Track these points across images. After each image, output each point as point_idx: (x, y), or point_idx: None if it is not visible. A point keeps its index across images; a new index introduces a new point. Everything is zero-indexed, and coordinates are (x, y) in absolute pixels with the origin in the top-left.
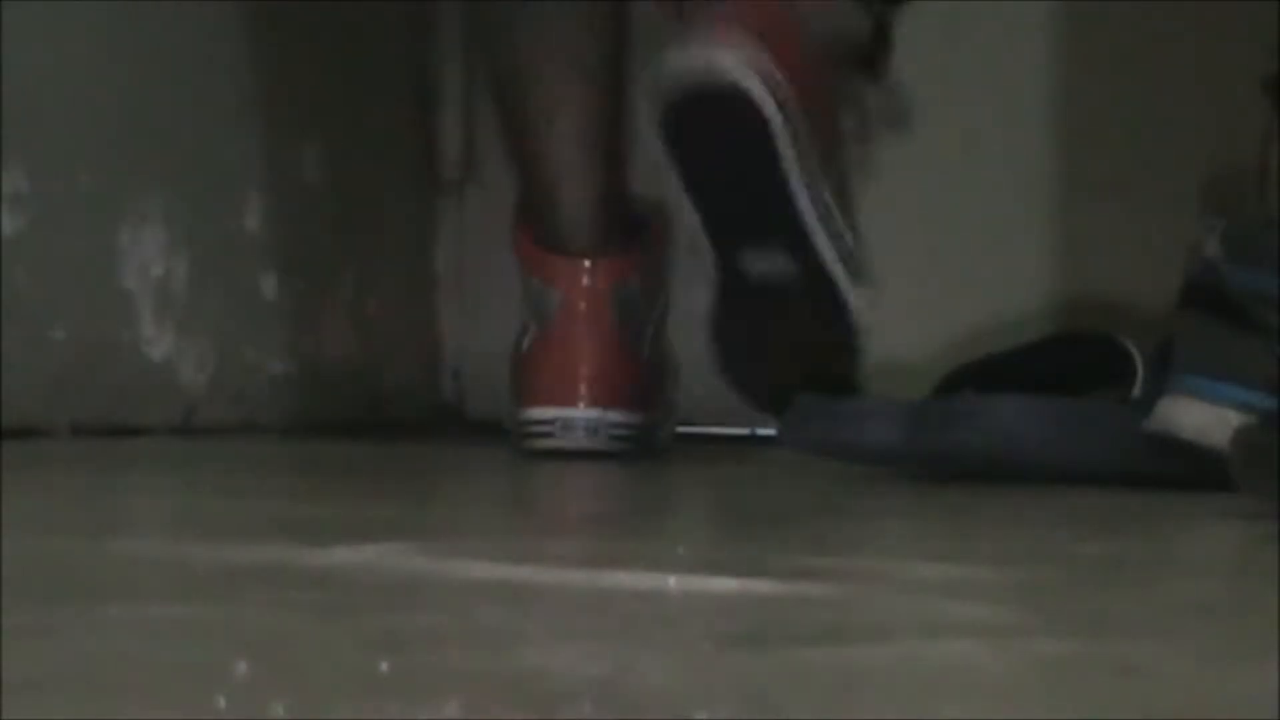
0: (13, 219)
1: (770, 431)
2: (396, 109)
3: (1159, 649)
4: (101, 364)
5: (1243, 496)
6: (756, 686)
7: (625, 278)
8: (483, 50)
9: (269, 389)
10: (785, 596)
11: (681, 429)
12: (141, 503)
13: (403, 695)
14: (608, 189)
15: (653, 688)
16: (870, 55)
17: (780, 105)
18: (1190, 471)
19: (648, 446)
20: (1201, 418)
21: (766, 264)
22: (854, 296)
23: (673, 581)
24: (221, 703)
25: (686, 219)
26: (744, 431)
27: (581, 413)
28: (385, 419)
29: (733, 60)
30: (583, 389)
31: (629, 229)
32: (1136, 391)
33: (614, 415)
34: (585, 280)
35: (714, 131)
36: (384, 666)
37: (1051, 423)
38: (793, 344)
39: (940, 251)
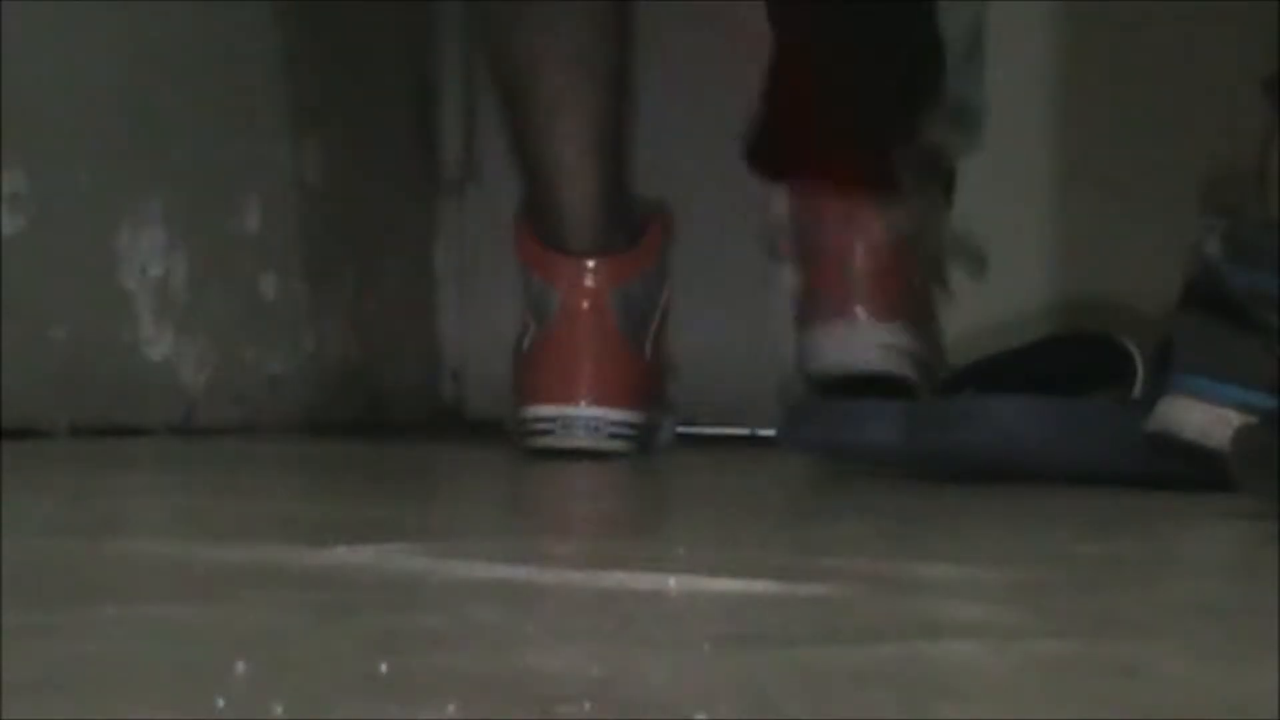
0: (12, 219)
1: (770, 432)
2: (396, 109)
3: (1159, 649)
4: (101, 364)
5: (1243, 496)
6: (756, 686)
7: (626, 277)
8: (486, 49)
9: (269, 389)
10: (785, 596)
11: (681, 429)
12: (141, 503)
13: (402, 696)
14: (609, 188)
15: (653, 688)
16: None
17: (914, 363)
18: (1190, 471)
19: (648, 446)
20: (1202, 418)
21: None
22: None
23: (673, 581)
24: (221, 703)
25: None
26: (744, 431)
27: (582, 411)
28: (385, 419)
29: (880, 354)
30: (583, 387)
31: (630, 229)
32: (1136, 392)
33: (614, 414)
34: (586, 279)
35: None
36: (383, 667)
37: (1051, 423)
38: None
39: None
